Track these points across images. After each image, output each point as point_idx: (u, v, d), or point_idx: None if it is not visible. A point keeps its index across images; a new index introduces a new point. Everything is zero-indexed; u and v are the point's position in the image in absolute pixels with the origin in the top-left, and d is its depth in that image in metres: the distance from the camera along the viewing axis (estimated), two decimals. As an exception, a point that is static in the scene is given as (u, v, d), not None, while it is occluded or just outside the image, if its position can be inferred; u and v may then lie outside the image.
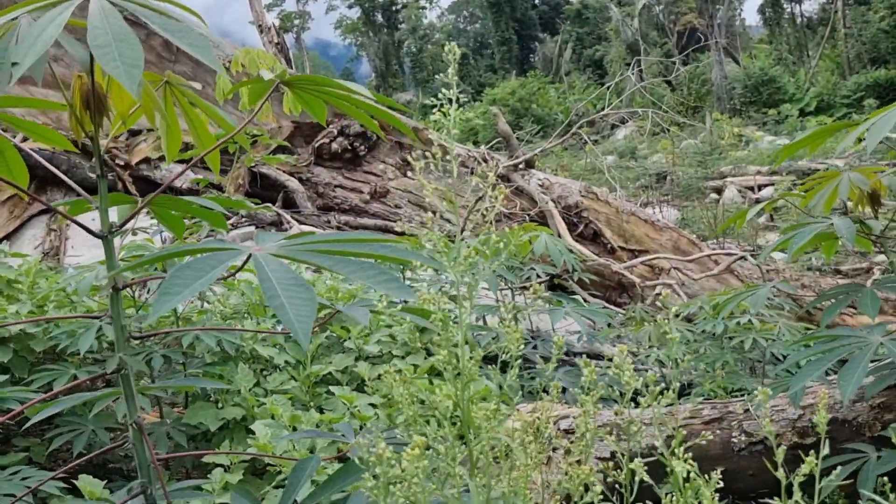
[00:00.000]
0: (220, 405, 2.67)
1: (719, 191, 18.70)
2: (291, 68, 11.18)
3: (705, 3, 43.61)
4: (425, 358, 3.19)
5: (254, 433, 2.31)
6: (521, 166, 8.29)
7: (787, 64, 46.11)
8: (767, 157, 21.80)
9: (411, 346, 3.39)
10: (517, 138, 10.64)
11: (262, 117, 5.47)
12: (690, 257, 7.61)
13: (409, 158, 0.96)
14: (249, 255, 0.81)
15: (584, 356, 5.39)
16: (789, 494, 1.04)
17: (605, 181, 13.44)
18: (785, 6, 50.87)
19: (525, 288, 5.39)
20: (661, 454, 1.06)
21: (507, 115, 37.67)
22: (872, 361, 1.76)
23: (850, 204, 2.29)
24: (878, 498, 1.18)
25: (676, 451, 1.01)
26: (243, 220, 7.12)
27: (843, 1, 45.84)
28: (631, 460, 1.14)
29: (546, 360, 1.20)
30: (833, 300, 1.94)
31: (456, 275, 0.86)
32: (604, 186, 9.65)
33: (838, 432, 2.32)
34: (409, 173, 8.57)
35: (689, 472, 0.98)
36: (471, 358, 0.90)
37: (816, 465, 0.97)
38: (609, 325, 5.82)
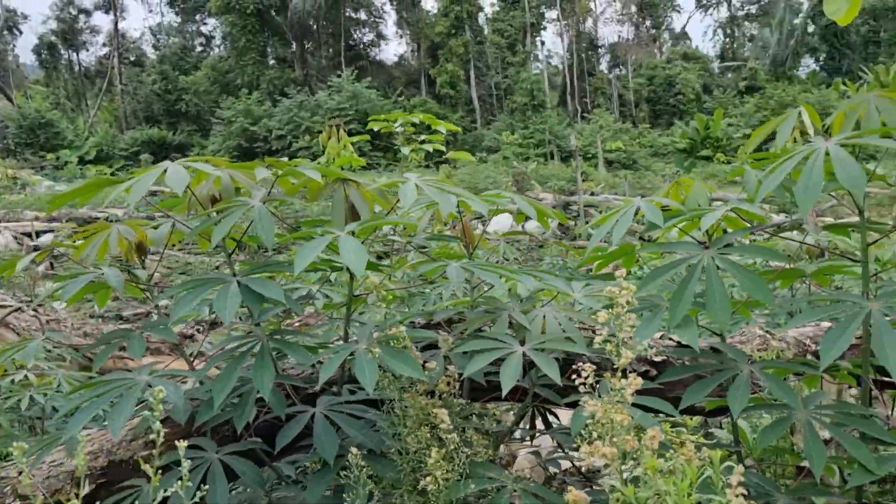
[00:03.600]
0: None
1: (-9, 236, 17.02)
2: None
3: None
4: None
5: None
6: None
7: (66, 110, 45.67)
8: (46, 203, 21.04)
9: None
10: None
11: None
12: (-44, 312, 6.69)
13: None
14: None
15: None
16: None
17: None
18: (63, 52, 50.44)
19: None
20: None
21: None
22: (140, 403, 1.92)
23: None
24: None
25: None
26: None
27: (120, 59, 48.25)
28: None
29: None
30: (107, 345, 2.03)
31: None
32: None
33: (117, 473, 2.41)
34: None
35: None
36: None
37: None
38: None
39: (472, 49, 45.91)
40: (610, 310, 1.44)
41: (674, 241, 2.08)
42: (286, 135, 39.03)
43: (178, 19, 54.98)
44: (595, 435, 1.28)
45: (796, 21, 47.89)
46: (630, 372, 1.49)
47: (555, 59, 54.91)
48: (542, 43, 54.37)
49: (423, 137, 5.31)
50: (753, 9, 55.81)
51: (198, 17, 54.18)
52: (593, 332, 2.19)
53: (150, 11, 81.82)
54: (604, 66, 54.84)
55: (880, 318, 1.66)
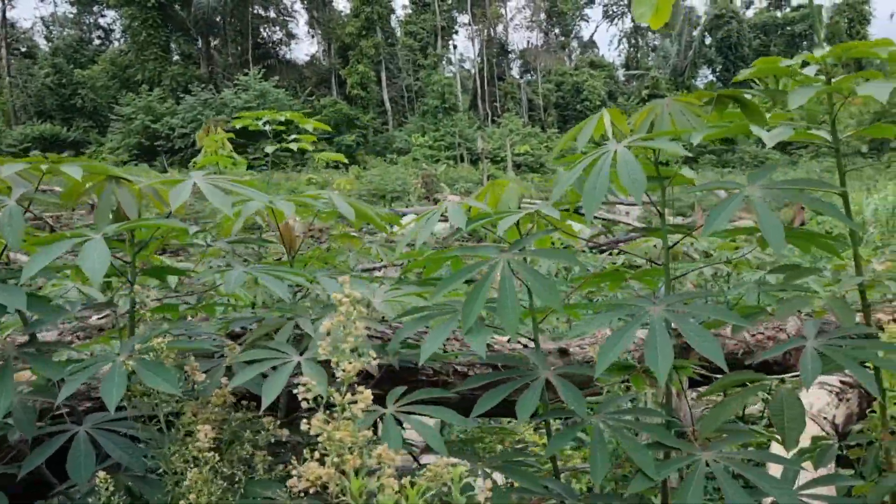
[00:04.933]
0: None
1: None
2: None
3: None
4: None
5: None
6: None
7: (-53, 103, 42.80)
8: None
9: None
10: None
11: None
12: None
13: None
14: None
15: None
16: None
17: None
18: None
19: None
20: None
21: None
22: None
23: None
24: None
25: None
26: None
27: (8, 50, 45.55)
28: None
29: None
30: None
31: None
32: None
33: None
34: None
35: None
36: None
37: None
38: None
39: (383, 51, 45.71)
40: (336, 319, 1.35)
41: (471, 245, 2.03)
42: (190, 133, 37.74)
43: (74, 10, 52.34)
44: (316, 455, 1.19)
45: (694, 33, 50.10)
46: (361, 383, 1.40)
47: (466, 63, 55.41)
48: (455, 47, 54.86)
49: (293, 137, 5.14)
50: (656, 20, 57.98)
51: (95, 8, 51.72)
52: (383, 339, 2.11)
53: (42, 1, 77.38)
54: (514, 72, 55.79)
55: (657, 321, 1.64)
